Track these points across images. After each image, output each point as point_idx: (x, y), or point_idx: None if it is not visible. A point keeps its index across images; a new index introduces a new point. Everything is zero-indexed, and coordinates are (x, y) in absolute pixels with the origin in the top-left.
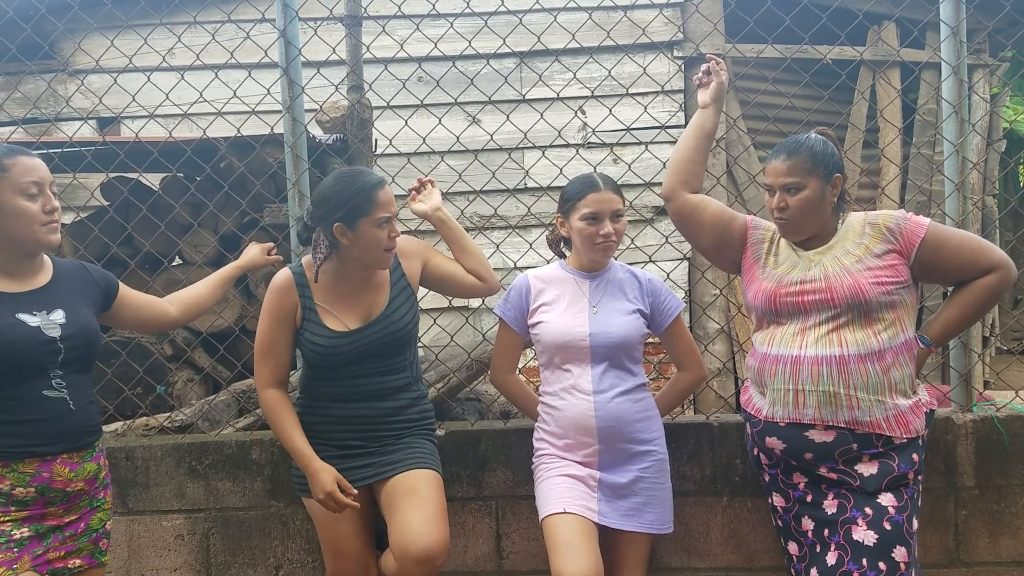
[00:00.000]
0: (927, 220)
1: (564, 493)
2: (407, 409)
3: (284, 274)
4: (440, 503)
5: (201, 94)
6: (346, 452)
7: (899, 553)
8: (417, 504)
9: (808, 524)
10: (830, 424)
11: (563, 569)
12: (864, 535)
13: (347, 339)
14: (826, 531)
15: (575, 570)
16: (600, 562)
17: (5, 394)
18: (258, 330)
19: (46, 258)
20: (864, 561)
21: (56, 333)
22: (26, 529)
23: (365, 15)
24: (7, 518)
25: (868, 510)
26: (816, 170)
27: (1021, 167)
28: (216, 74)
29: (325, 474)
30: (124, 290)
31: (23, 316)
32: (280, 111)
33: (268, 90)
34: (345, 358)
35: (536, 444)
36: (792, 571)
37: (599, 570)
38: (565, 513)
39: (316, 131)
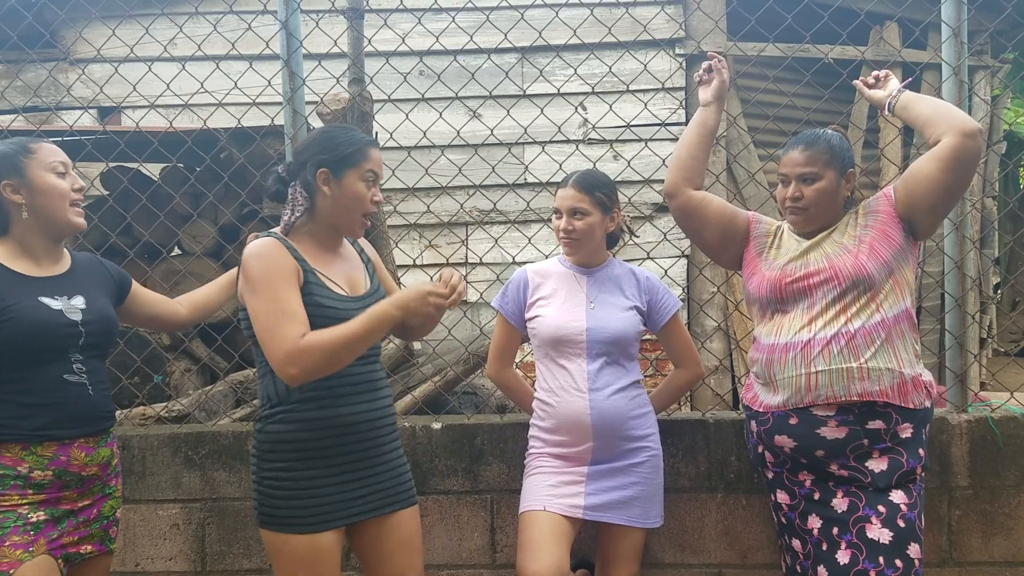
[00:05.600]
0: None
1: (547, 491)
2: (391, 406)
3: (267, 240)
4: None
5: (202, 85)
6: (349, 476)
7: (913, 550)
8: (412, 559)
9: (815, 522)
10: (843, 400)
11: (524, 566)
12: (879, 533)
13: (356, 303)
14: (835, 529)
15: (535, 569)
16: (566, 562)
17: (27, 376)
18: (263, 300)
19: (64, 249)
20: (881, 559)
21: (77, 317)
22: (42, 513)
23: (367, 8)
24: (24, 501)
25: (881, 508)
26: (834, 162)
27: (1021, 169)
28: (217, 65)
29: (409, 290)
30: (136, 287)
31: (45, 299)
32: (281, 103)
33: (269, 82)
34: None
35: (530, 440)
36: (798, 568)
37: (561, 570)
38: (543, 511)
39: (316, 123)
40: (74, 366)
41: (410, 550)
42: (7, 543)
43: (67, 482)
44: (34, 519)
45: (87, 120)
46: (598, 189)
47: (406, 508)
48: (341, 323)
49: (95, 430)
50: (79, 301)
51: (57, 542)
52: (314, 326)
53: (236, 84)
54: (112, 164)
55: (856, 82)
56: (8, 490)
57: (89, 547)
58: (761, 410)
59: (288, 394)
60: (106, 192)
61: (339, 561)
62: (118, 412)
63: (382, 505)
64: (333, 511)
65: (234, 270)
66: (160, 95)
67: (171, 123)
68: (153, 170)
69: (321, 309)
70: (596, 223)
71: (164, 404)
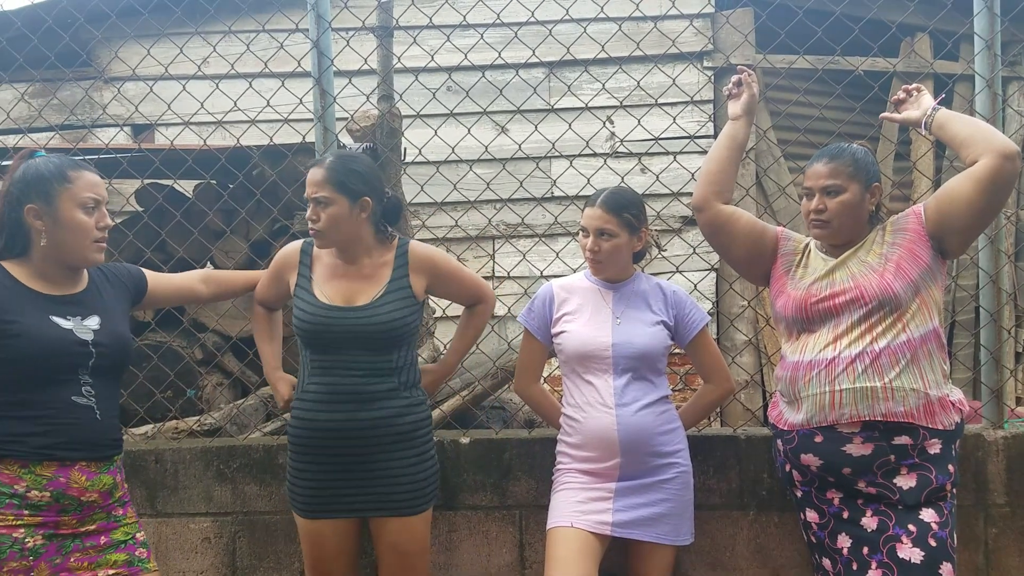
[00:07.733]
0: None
1: (575, 507)
2: (396, 419)
3: (295, 244)
4: (424, 563)
5: (235, 103)
6: (335, 475)
7: (945, 570)
8: (402, 565)
9: (844, 541)
10: (867, 419)
11: None
12: (910, 553)
13: (331, 313)
14: (865, 548)
15: None
16: None
17: (35, 398)
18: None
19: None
20: None
21: (88, 337)
22: (40, 537)
23: (396, 26)
24: (20, 523)
25: (912, 527)
26: (858, 175)
27: None
28: (250, 83)
29: (283, 384)
30: (153, 279)
31: (56, 319)
32: (312, 120)
33: (300, 99)
34: (327, 335)
35: (558, 456)
36: None
37: None
38: (571, 527)
39: (347, 140)
40: (83, 388)
41: (401, 556)
42: (4, 568)
43: (65, 506)
44: (31, 544)
45: (122, 138)
46: (626, 210)
47: (397, 516)
48: (313, 327)
49: (99, 456)
50: (93, 321)
51: (63, 566)
52: (296, 333)
53: (268, 102)
54: (147, 181)
55: (884, 115)
56: (3, 509)
57: (110, 571)
58: (786, 428)
59: (295, 391)
60: (140, 209)
61: (340, 550)
62: (151, 426)
63: (367, 508)
64: (318, 502)
65: (259, 272)
66: (194, 113)
67: (204, 141)
68: (187, 187)
69: (298, 312)
70: (623, 244)
71: (196, 418)
